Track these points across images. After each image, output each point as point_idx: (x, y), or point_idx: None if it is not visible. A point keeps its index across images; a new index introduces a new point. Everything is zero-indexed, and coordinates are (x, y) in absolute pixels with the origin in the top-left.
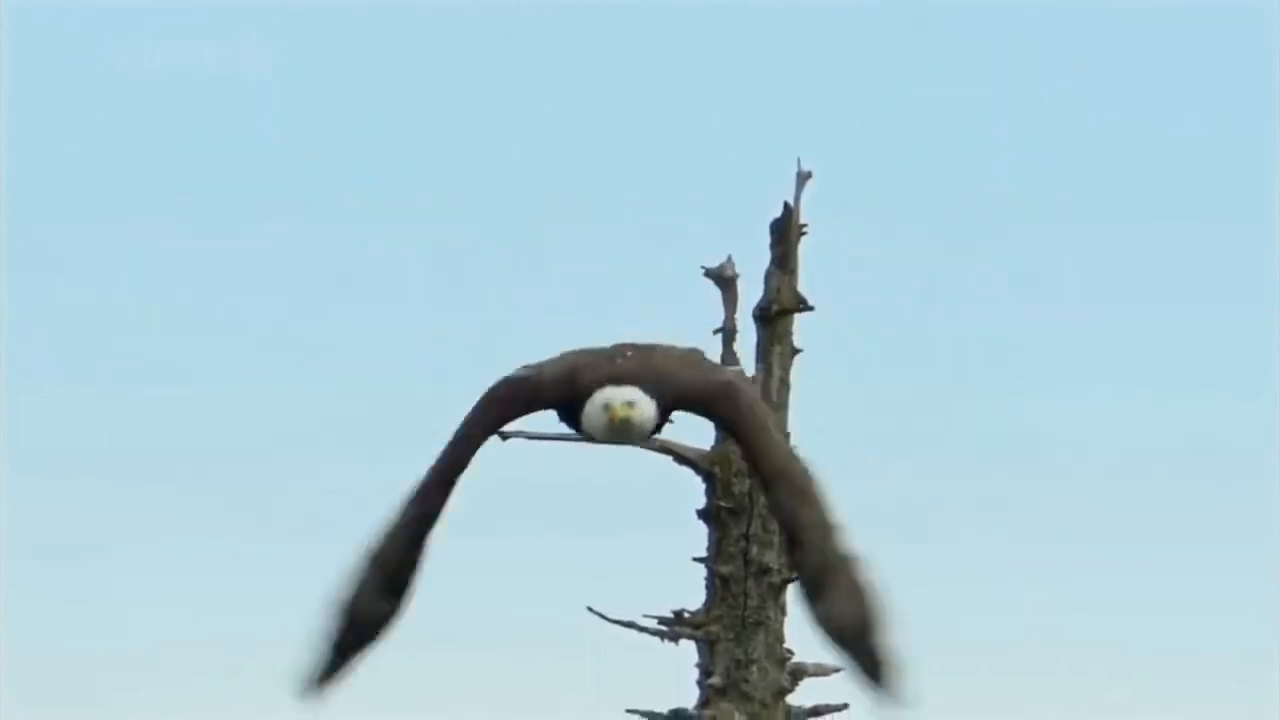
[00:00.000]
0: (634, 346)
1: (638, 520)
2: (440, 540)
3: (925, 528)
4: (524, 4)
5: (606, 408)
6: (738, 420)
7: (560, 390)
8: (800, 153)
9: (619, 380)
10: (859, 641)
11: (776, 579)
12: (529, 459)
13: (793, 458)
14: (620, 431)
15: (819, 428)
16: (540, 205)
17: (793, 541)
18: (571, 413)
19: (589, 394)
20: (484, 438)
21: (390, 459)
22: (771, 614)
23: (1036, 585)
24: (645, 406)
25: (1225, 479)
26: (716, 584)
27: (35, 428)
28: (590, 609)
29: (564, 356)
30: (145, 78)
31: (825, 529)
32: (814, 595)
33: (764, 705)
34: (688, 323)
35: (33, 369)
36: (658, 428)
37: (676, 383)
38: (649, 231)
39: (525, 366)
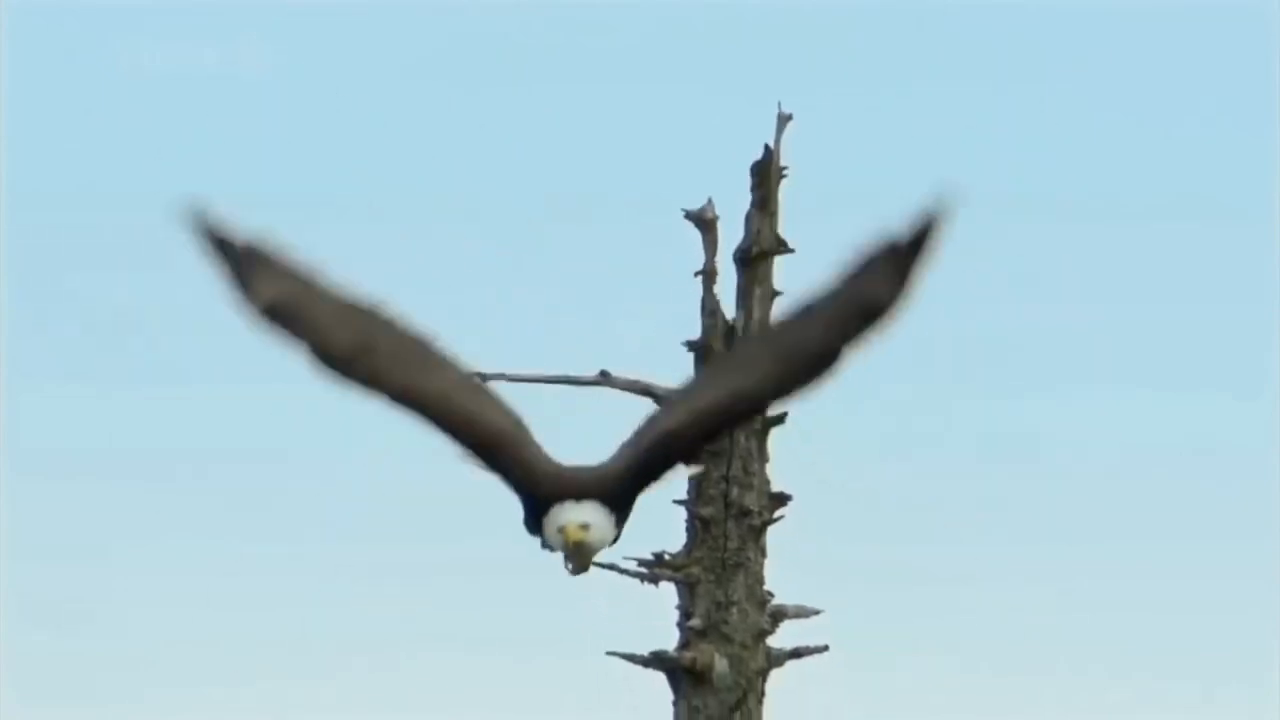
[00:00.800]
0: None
1: None
2: (414, 477)
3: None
4: None
5: (561, 531)
6: (690, 431)
7: (521, 485)
8: (781, 95)
9: (579, 494)
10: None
11: (757, 521)
12: (510, 400)
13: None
14: (576, 555)
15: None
16: (525, 170)
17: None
18: (532, 516)
19: (548, 508)
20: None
21: (390, 458)
22: (752, 556)
23: (1036, 585)
24: (600, 528)
25: (1225, 479)
26: (696, 526)
27: (35, 428)
28: None
29: (544, 456)
30: (145, 77)
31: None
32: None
33: (744, 647)
34: (668, 265)
35: (33, 369)
36: (623, 520)
37: (629, 467)
38: (629, 174)
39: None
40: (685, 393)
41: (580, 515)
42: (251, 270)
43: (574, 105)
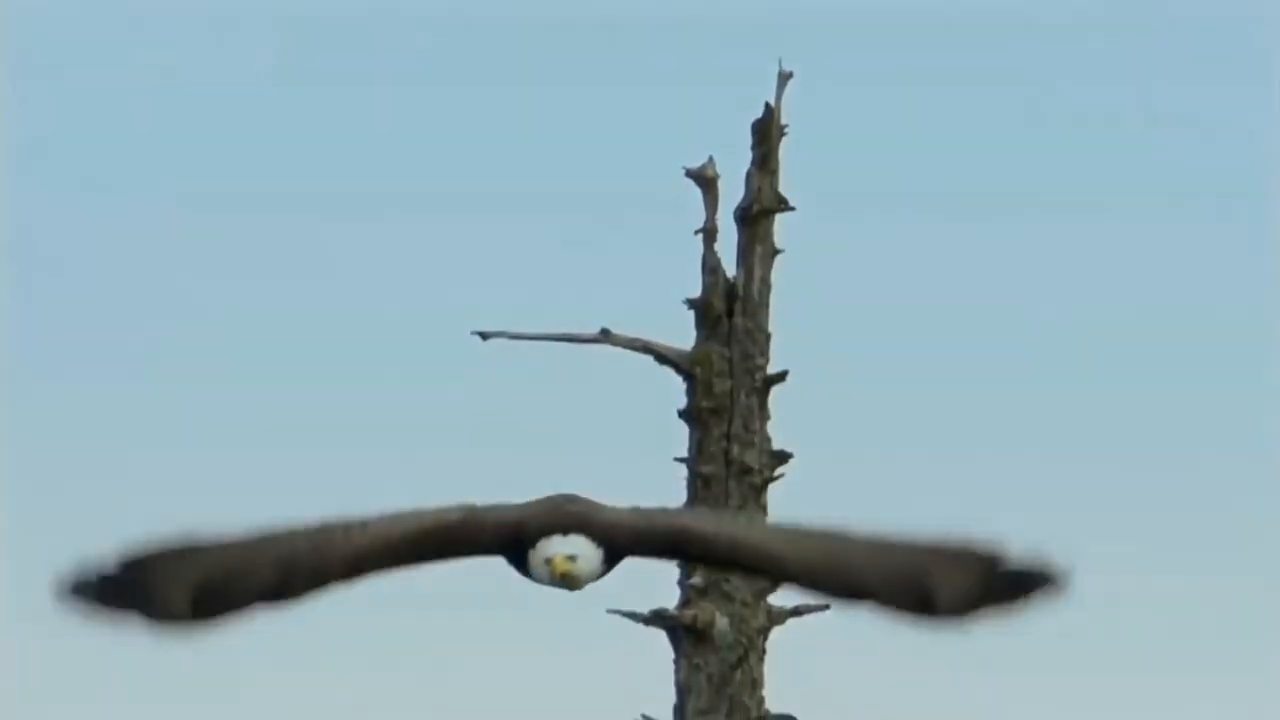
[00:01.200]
0: (577, 499)
1: (618, 420)
2: (413, 441)
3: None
4: None
5: (548, 562)
6: (708, 547)
7: (503, 538)
8: (781, 53)
9: (566, 529)
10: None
11: (758, 479)
12: (509, 359)
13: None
14: (563, 585)
15: (799, 329)
16: (526, 129)
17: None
18: (517, 560)
19: (533, 543)
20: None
21: (391, 456)
22: (752, 514)
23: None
24: (589, 559)
25: (1226, 477)
26: (698, 484)
27: (36, 428)
28: None
29: (509, 507)
30: (144, 77)
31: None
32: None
33: (745, 605)
34: (669, 223)
35: (33, 367)
36: (606, 570)
37: (628, 528)
38: (630, 132)
39: (466, 506)
40: (750, 521)
41: (567, 548)
42: (149, 587)
43: (575, 63)
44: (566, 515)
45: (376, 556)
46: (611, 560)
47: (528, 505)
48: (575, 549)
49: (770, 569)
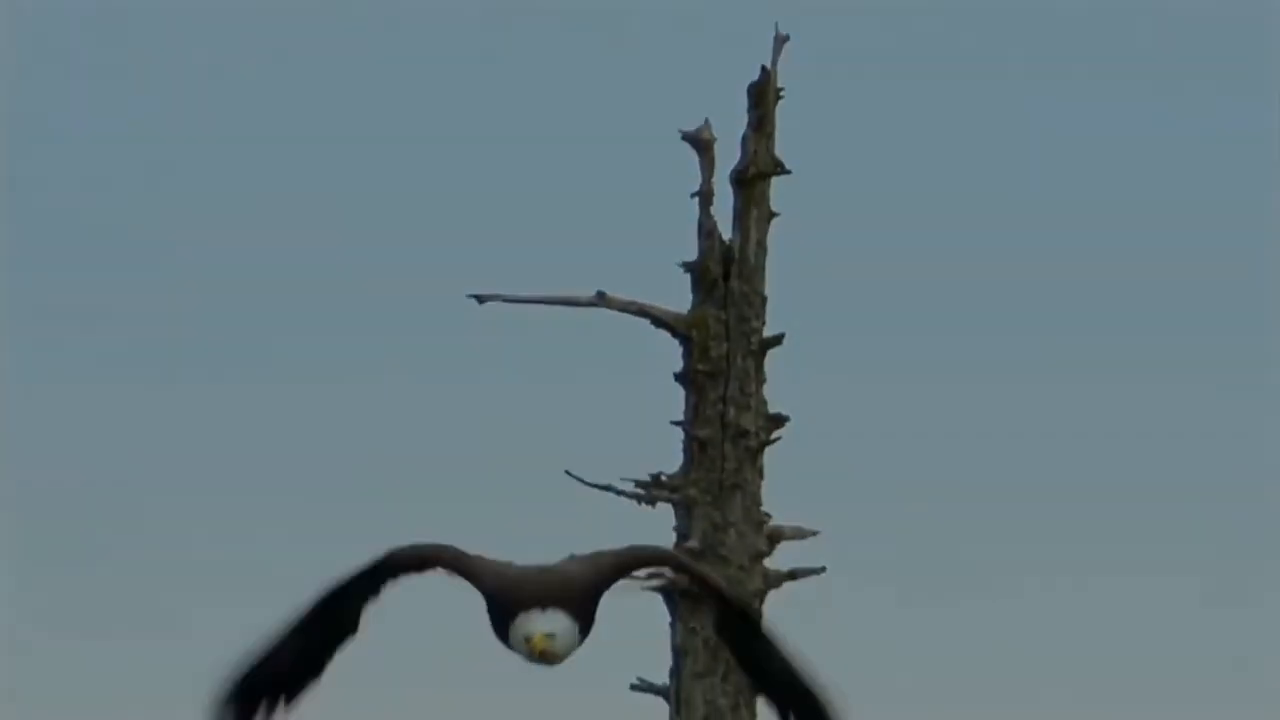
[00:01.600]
0: (544, 568)
1: (615, 384)
2: (409, 402)
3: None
4: None
5: (527, 640)
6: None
7: (487, 595)
8: (778, 17)
9: (544, 603)
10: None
11: (754, 442)
12: (506, 321)
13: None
14: (542, 662)
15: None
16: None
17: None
18: (498, 622)
19: (513, 616)
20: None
21: (386, 418)
22: (749, 477)
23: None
24: (566, 635)
25: (1225, 474)
26: (694, 447)
27: (36, 427)
28: (568, 472)
29: (493, 569)
30: (146, 75)
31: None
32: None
33: (741, 568)
34: (665, 186)
35: (32, 368)
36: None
37: (599, 576)
38: (626, 96)
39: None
40: (679, 551)
41: (546, 625)
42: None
43: (572, 27)
44: (545, 587)
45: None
46: (591, 618)
47: (506, 575)
48: (554, 626)
49: (728, 610)
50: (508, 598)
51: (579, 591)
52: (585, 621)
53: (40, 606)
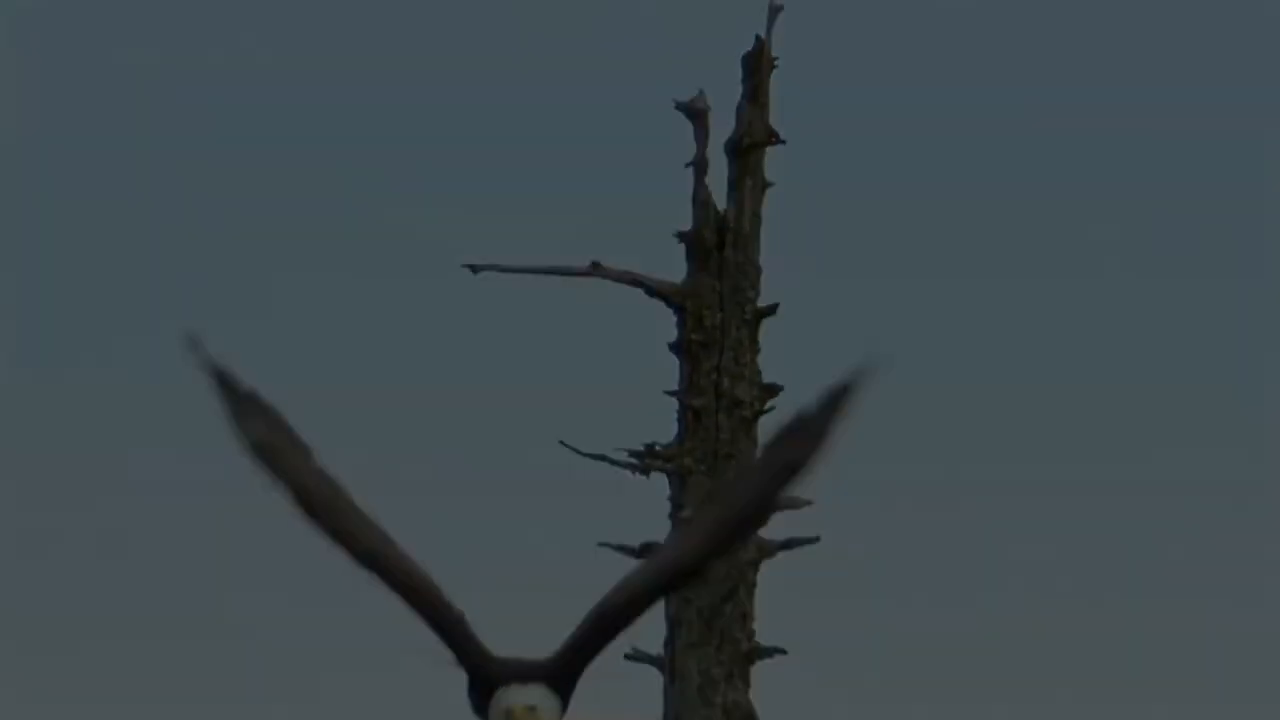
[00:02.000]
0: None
1: (609, 353)
2: (408, 374)
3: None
4: None
5: (509, 714)
6: (631, 603)
7: (470, 670)
8: None
9: (525, 677)
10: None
11: (748, 411)
12: (500, 291)
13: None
14: None
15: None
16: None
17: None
18: (478, 698)
19: (494, 688)
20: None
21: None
22: (743, 447)
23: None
24: (547, 710)
25: (1224, 473)
26: (688, 417)
27: (35, 427)
28: (562, 442)
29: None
30: (144, 75)
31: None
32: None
33: None
34: (659, 156)
35: (33, 367)
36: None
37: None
38: (620, 65)
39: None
40: (629, 575)
41: (527, 697)
42: (249, 411)
43: None
44: (526, 663)
45: (389, 565)
46: (571, 685)
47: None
48: (535, 699)
49: (681, 572)
50: (490, 672)
51: (560, 670)
52: (564, 699)
53: None
